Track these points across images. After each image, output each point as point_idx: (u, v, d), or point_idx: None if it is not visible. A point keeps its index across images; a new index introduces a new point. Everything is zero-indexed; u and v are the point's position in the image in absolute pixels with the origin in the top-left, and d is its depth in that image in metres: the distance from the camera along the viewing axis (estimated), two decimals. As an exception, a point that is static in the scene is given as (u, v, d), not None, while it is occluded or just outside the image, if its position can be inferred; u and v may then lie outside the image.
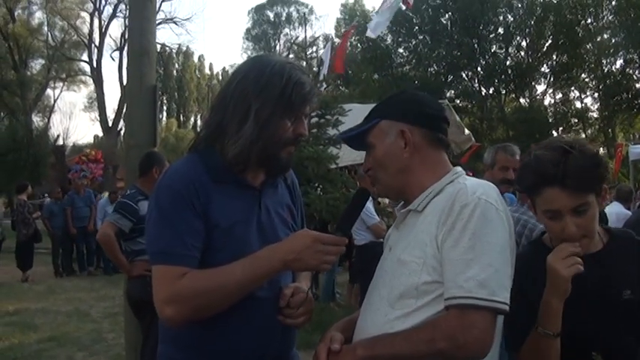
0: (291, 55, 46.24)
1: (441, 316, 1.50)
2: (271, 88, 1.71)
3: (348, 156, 10.09)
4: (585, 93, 38.67)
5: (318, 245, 1.60)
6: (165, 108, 60.59)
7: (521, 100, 39.18)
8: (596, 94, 37.72)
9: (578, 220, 1.70)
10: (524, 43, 37.80)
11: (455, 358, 1.49)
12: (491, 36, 37.02)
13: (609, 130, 37.02)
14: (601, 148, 32.33)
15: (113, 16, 36.32)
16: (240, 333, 1.73)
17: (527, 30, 36.91)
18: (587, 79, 38.00)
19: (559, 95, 39.59)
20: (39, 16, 38.67)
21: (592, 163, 1.69)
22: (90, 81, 40.54)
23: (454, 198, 1.55)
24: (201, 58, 68.01)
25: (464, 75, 39.36)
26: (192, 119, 67.01)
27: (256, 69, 1.75)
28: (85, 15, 37.88)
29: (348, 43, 38.18)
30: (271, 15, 55.35)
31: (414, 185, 1.70)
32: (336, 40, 37.46)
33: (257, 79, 1.72)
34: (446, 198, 1.59)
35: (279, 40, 54.53)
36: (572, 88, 38.76)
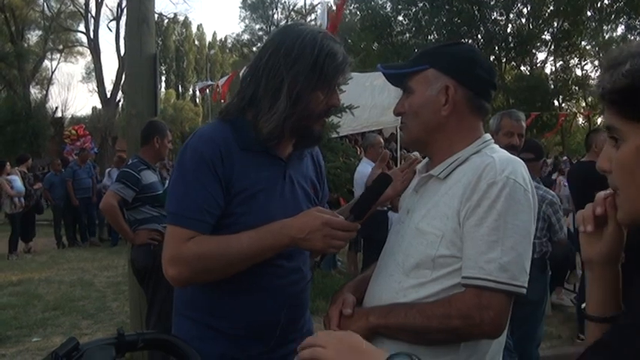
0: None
1: (458, 294, 1.48)
2: (302, 61, 1.69)
3: (349, 125, 10.07)
4: (585, 60, 38.40)
5: (327, 229, 1.59)
6: (163, 79, 60.26)
7: (522, 68, 38.92)
8: (596, 62, 37.42)
9: None
10: (525, 10, 37.39)
11: (467, 337, 1.50)
12: (491, 2, 36.56)
13: (610, 97, 36.68)
14: (600, 117, 32.18)
15: (109, -15, 35.83)
16: (256, 299, 1.77)
17: (528, -4, 36.49)
18: (587, 46, 37.70)
19: (559, 63, 39.32)
20: (34, -14, 38.25)
21: None
22: (87, 52, 40.40)
23: (480, 173, 1.50)
24: (200, 27, 67.46)
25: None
26: (191, 90, 66.67)
27: (287, 41, 1.72)
28: (81, -16, 37.47)
29: (347, 11, 37.82)
30: (267, -18, 54.68)
31: (442, 146, 1.64)
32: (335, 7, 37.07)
33: (288, 53, 1.70)
34: (472, 170, 1.54)
35: (276, 9, 54.00)
36: (573, 55, 38.46)
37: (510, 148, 3.78)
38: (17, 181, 11.47)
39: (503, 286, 1.44)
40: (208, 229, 1.68)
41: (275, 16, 52.53)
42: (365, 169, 6.63)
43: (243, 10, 55.60)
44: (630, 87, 0.97)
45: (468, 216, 1.49)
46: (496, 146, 1.66)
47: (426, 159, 1.78)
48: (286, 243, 1.64)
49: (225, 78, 17.51)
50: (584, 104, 37.52)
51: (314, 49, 1.69)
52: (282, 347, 1.84)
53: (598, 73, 1.05)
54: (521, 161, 1.58)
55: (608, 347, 0.92)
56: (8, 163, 11.91)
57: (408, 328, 1.50)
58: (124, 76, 31.52)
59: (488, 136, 1.68)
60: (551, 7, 36.04)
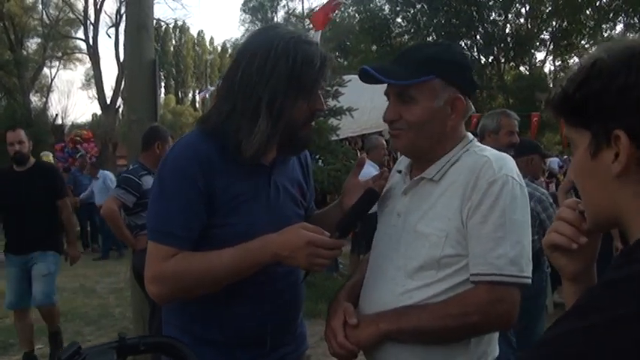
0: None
1: (468, 291, 1.53)
2: (278, 74, 1.62)
3: (349, 127, 10.09)
4: (585, 59, 38.34)
5: (310, 248, 1.55)
6: (162, 84, 60.31)
7: (521, 68, 38.93)
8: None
9: None
10: (523, 10, 37.41)
11: (485, 331, 1.57)
12: (490, 3, 36.57)
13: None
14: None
15: (108, -8, 35.95)
16: (244, 305, 1.74)
17: (526, -4, 36.51)
18: (586, 45, 37.71)
19: (559, 62, 39.32)
20: (33, -7, 38.27)
21: None
22: (86, 59, 40.37)
23: (478, 172, 1.54)
24: (201, 33, 67.59)
25: (463, 44, 39.01)
26: (190, 95, 66.71)
27: (259, 54, 1.64)
28: (80, -9, 37.50)
29: (346, 14, 37.83)
30: (268, -14, 54.67)
31: (439, 152, 1.64)
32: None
33: (261, 67, 1.62)
34: (467, 170, 1.57)
35: (276, 13, 54.03)
36: (572, 55, 38.47)
37: (511, 147, 3.84)
38: None
39: (515, 279, 1.50)
40: (190, 245, 1.65)
41: (275, 20, 52.49)
42: (368, 170, 6.63)
43: (243, 14, 55.58)
44: (566, 96, 1.01)
45: (471, 215, 1.53)
46: (480, 144, 1.70)
47: (405, 159, 1.79)
48: (269, 260, 1.61)
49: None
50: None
51: (288, 59, 1.62)
52: (275, 351, 1.83)
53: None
54: (511, 157, 1.63)
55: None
56: None
57: (422, 330, 1.52)
58: (123, 82, 31.66)
59: (470, 134, 1.71)
60: (550, 7, 36.05)
